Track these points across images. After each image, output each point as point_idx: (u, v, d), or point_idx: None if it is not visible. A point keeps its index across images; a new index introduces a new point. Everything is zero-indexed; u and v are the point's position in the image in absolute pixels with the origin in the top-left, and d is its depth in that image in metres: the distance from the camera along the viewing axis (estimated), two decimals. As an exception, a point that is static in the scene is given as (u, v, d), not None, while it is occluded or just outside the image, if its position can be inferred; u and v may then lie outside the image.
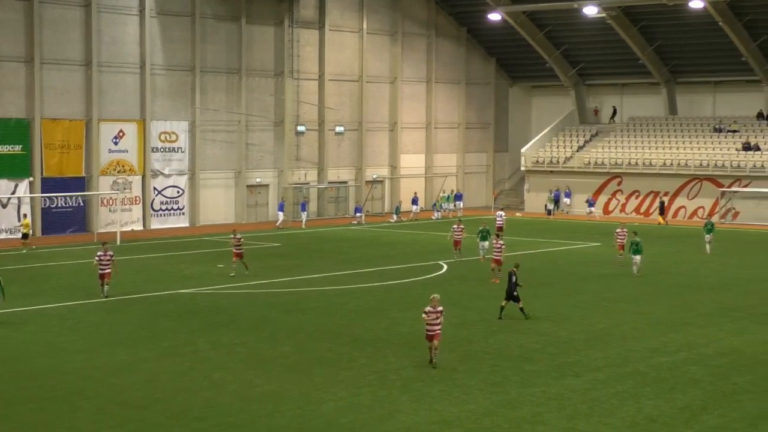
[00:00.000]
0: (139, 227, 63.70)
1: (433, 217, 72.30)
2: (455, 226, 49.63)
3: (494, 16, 76.81)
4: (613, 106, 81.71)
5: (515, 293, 33.54)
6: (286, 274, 44.20)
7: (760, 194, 68.33)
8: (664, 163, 73.25)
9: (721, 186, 70.34)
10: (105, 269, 37.07)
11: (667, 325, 32.71)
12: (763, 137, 72.25)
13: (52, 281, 41.99)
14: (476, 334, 31.12)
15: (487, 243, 47.05)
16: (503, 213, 59.04)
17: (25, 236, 54.38)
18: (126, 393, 23.96)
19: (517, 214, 74.13)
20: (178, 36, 65.63)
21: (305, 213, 68.34)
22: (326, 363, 27.07)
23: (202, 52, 66.57)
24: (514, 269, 34.08)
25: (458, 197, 76.53)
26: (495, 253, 42.21)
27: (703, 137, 74.92)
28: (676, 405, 23.09)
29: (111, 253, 37.55)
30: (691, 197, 71.70)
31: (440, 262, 47.63)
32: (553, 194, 75.93)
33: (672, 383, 25.01)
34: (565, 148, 79.33)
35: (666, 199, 71.92)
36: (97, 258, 37.15)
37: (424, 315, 26.80)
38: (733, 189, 69.87)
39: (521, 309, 33.57)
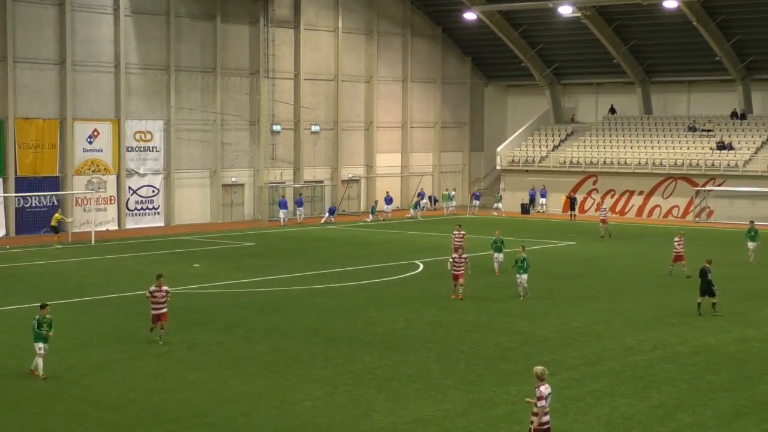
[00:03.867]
0: (113, 227, 63.37)
1: (408, 216, 72.14)
2: (456, 232, 46.62)
3: (469, 16, 76.87)
4: (612, 105, 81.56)
5: (714, 287, 34.17)
6: (261, 273, 44.07)
7: (733, 193, 68.68)
8: (639, 163, 73.52)
9: (696, 185, 70.66)
10: (161, 308, 29.48)
11: (642, 323, 32.80)
12: (737, 136, 72.63)
13: (24, 282, 41.68)
14: (452, 333, 31.11)
15: (501, 255, 43.07)
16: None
17: (54, 230, 54.60)
18: (100, 394, 23.80)
19: (493, 213, 74.24)
20: (152, 35, 65.33)
21: (301, 209, 69.35)
22: (302, 362, 26.99)
23: (177, 51, 66.29)
24: (708, 265, 34.63)
25: (450, 197, 76.79)
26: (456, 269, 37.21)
27: (678, 136, 75.24)
28: (650, 403, 23.14)
29: (166, 288, 29.92)
30: (665, 196, 71.99)
31: (416, 262, 47.61)
32: (528, 193, 76.17)
33: (647, 381, 25.07)
34: (540, 147, 79.50)
35: (572, 195, 73.18)
36: (149, 293, 29.73)
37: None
38: (708, 188, 70.21)
39: (713, 305, 34.10)
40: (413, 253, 50.84)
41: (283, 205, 68.44)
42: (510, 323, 32.70)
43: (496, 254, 43.21)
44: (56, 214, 56.02)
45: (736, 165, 69.91)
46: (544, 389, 18.44)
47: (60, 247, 52.83)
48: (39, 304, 27.08)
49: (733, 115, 75.31)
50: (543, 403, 18.33)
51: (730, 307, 35.50)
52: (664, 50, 76.53)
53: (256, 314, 34.13)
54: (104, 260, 48.20)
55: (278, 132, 72.02)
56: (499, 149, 79.97)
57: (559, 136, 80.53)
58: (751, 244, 47.26)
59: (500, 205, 74.49)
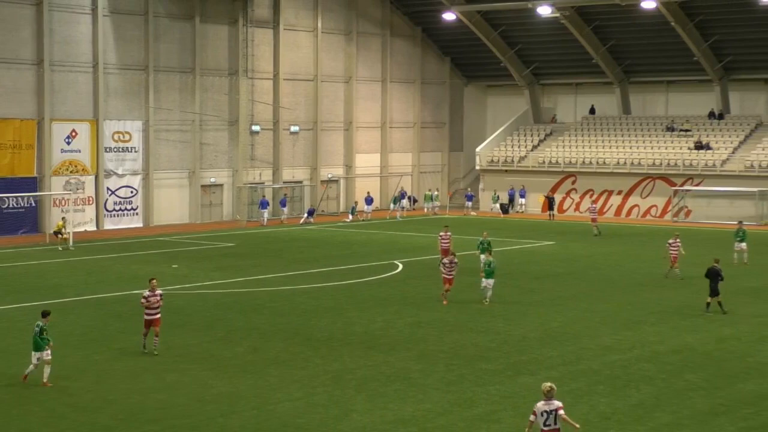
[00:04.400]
0: (92, 228, 63.10)
1: (391, 215, 72.17)
2: (442, 233, 45.96)
3: (449, 16, 76.99)
4: (592, 105, 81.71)
5: (717, 288, 34.74)
6: (241, 274, 44.01)
7: (711, 193, 69.01)
8: (618, 162, 73.77)
9: (674, 185, 70.98)
10: (154, 314, 28.18)
11: (621, 323, 32.95)
12: (714, 136, 72.98)
13: (2, 284, 41.46)
14: (431, 333, 31.16)
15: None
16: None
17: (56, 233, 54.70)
18: (77, 395, 23.73)
19: (472, 213, 74.35)
20: (131, 35, 65.11)
21: (285, 209, 69.62)
22: (281, 363, 26.99)
23: (155, 51, 66.09)
24: (717, 265, 35.24)
25: (433, 198, 76.91)
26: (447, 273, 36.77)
27: (656, 136, 75.56)
28: (628, 402, 23.25)
29: (160, 292, 28.66)
30: (644, 196, 72.27)
31: (396, 262, 47.64)
32: (507, 193, 76.36)
33: (625, 381, 25.18)
34: (519, 147, 79.68)
35: (550, 195, 73.37)
36: (144, 299, 28.40)
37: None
38: (686, 188, 70.54)
39: (719, 303, 34.61)
40: (393, 254, 50.88)
41: (264, 205, 68.37)
42: (489, 323, 32.78)
43: (482, 256, 40.86)
44: (59, 222, 55.82)
45: (714, 165, 70.26)
46: (541, 405, 17.85)
47: (62, 248, 52.56)
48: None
49: (711, 115, 75.68)
50: (532, 418, 17.94)
51: (703, 306, 35.66)
52: (643, 50, 76.85)
53: (235, 315, 34.09)
54: (83, 261, 48.03)
55: (257, 132, 71.94)
56: (478, 149, 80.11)
57: (539, 136, 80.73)
58: (739, 245, 47.18)
59: (497, 205, 74.52)
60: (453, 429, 21.29)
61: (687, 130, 74.60)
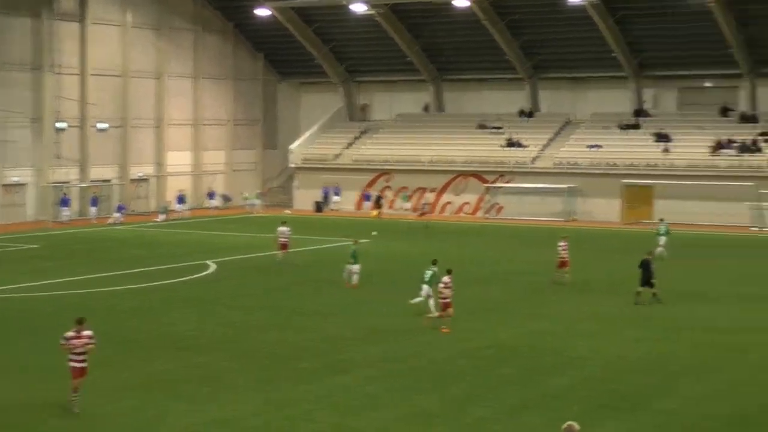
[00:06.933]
0: None
1: (158, 219, 68.42)
2: (282, 228, 46.36)
3: (262, 12, 76.78)
4: (426, 102, 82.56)
5: (652, 280, 35.98)
6: (49, 276, 42.78)
7: (522, 189, 71.02)
8: (432, 160, 75.13)
9: (486, 182, 72.77)
10: (79, 361, 22.60)
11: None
12: (525, 134, 75.15)
13: None
14: (246, 333, 31.09)
15: (357, 267, 39.68)
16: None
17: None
18: None
19: (287, 211, 74.41)
20: (-75, 26, 62.54)
21: (95, 209, 68.02)
22: (93, 367, 26.38)
23: (-48, 43, 63.65)
24: (649, 257, 36.39)
25: (256, 197, 76.50)
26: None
27: (469, 134, 77.25)
28: (443, 398, 23.75)
29: (90, 333, 22.85)
30: (457, 193, 73.80)
31: (208, 262, 47.24)
32: (321, 191, 76.75)
33: (440, 376, 25.71)
34: (334, 145, 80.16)
35: (378, 194, 74.39)
36: (65, 340, 22.78)
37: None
38: (497, 185, 72.41)
39: (654, 294, 35.80)
40: (206, 254, 50.41)
41: (64, 203, 66.66)
42: (305, 321, 32.90)
43: (350, 265, 39.92)
44: None
45: (525, 162, 72.40)
46: None
47: None
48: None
49: (521, 113, 77.92)
50: None
51: (519, 302, 36.77)
52: (456, 48, 78.45)
53: (42, 319, 33.15)
54: None
55: (63, 129, 70.01)
56: (292, 147, 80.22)
57: (353, 133, 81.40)
58: (662, 239, 49.13)
59: (408, 204, 74.53)
60: (268, 429, 21.33)
61: (499, 128, 76.57)
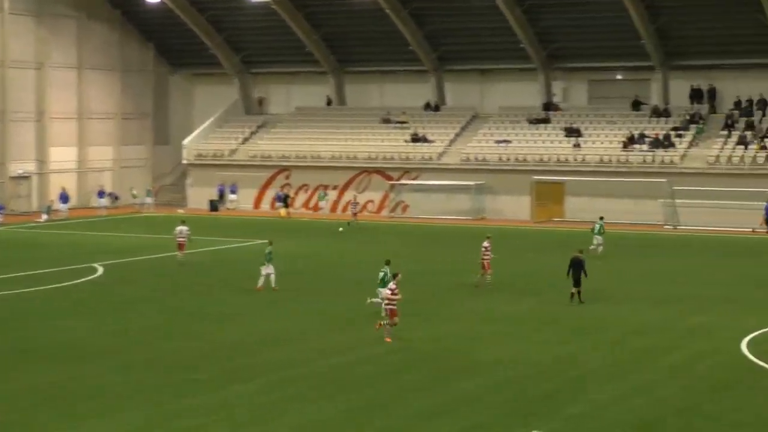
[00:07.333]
0: None
1: (40, 220, 67.34)
2: (181, 227, 46.87)
3: (152, -2, 76.01)
4: (328, 96, 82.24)
5: (580, 279, 36.54)
6: None
7: (428, 187, 71.34)
8: (333, 156, 75.05)
9: (391, 179, 72.93)
10: None
11: (338, 324, 33.50)
12: (431, 128, 75.52)
13: None
14: (135, 340, 30.68)
15: (271, 268, 39.49)
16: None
17: None
18: None
19: (180, 210, 73.68)
20: None
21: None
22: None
23: None
24: (580, 255, 36.89)
25: (147, 194, 75.77)
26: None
27: (372, 128, 77.37)
28: (344, 406, 23.66)
29: None
30: (360, 190, 73.82)
31: (95, 265, 46.54)
32: (217, 189, 76.21)
33: (341, 384, 25.63)
34: (230, 140, 79.63)
35: (285, 192, 74.03)
36: None
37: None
38: (402, 182, 72.62)
39: (579, 292, 36.49)
40: (93, 256, 49.64)
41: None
42: (200, 328, 32.59)
43: (266, 267, 39.74)
44: None
45: (431, 158, 72.75)
46: None
47: None
48: None
49: (427, 106, 78.29)
50: None
51: (426, 304, 36.87)
52: (357, 39, 78.50)
53: None
54: None
55: (-65, 123, 68.44)
56: (185, 142, 79.48)
57: (250, 128, 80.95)
58: (597, 238, 50.04)
59: (324, 202, 73.94)
60: (159, 444, 21.07)
61: (403, 122, 76.80)
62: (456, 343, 30.76)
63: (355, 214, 65.10)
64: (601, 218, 51.82)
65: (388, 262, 34.47)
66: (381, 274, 33.97)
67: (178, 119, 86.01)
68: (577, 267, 37.09)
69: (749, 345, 30.35)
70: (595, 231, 50.66)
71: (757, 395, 24.95)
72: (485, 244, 40.94)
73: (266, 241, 42.03)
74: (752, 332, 32.05)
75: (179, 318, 34.36)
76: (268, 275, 39.53)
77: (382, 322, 30.93)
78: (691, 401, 24.41)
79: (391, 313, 30.66)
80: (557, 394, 24.93)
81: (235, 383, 25.60)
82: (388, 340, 30.51)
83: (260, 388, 25.18)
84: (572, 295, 36.99)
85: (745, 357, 29.03)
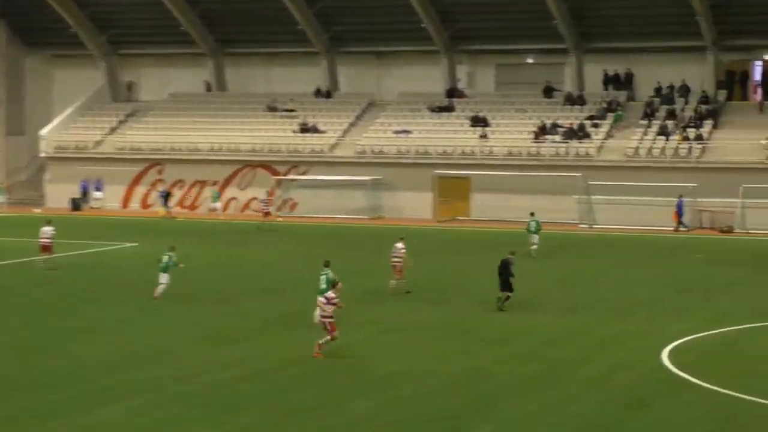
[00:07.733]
0: None
1: None
2: (46, 228, 46.43)
3: (3, -31, 74.70)
4: (206, 81, 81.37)
5: (510, 283, 36.80)
6: None
7: (319, 182, 71.25)
8: (212, 148, 74.54)
9: (278, 174, 72.67)
10: None
11: (223, 337, 33.15)
12: (322, 117, 75.42)
13: None
14: (-13, 358, 30.07)
15: (167, 276, 39.02)
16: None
17: None
18: None
19: (36, 210, 72.49)
20: None
21: None
22: None
23: None
24: (511, 257, 36.98)
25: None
26: None
27: (257, 117, 77.04)
28: (228, 429, 23.43)
29: None
30: (243, 187, 73.43)
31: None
32: (80, 186, 75.21)
33: (224, 404, 25.35)
34: (95, 130, 78.63)
35: (167, 189, 73.71)
36: None
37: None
38: (290, 177, 72.41)
39: (507, 298, 36.81)
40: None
41: None
42: (64, 343, 32.04)
43: (163, 273, 39.22)
44: None
45: (322, 150, 72.64)
46: None
47: None
48: None
49: (318, 92, 78.16)
50: None
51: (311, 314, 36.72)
52: (239, 16, 78.13)
53: None
54: None
55: None
56: (43, 132, 78.22)
57: (117, 117, 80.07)
58: (534, 237, 50.97)
59: (218, 204, 72.73)
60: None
61: (291, 111, 76.58)
62: (353, 357, 30.64)
63: (266, 214, 64.22)
64: (532, 214, 52.42)
65: (327, 264, 34.20)
66: (322, 278, 33.57)
67: (35, 106, 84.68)
68: (504, 270, 37.34)
69: (670, 355, 30.77)
70: (532, 229, 51.51)
71: (677, 410, 25.28)
72: (398, 245, 40.94)
73: (168, 247, 40.91)
74: (673, 341, 32.53)
75: (36, 332, 33.68)
76: (161, 282, 38.61)
77: (320, 342, 30.02)
78: (610, 418, 24.63)
79: (331, 327, 30.06)
80: (464, 412, 24.96)
81: (98, 406, 25.10)
82: (318, 355, 29.94)
83: (127, 411, 24.73)
84: (498, 299, 37.21)
85: (666, 368, 29.41)
